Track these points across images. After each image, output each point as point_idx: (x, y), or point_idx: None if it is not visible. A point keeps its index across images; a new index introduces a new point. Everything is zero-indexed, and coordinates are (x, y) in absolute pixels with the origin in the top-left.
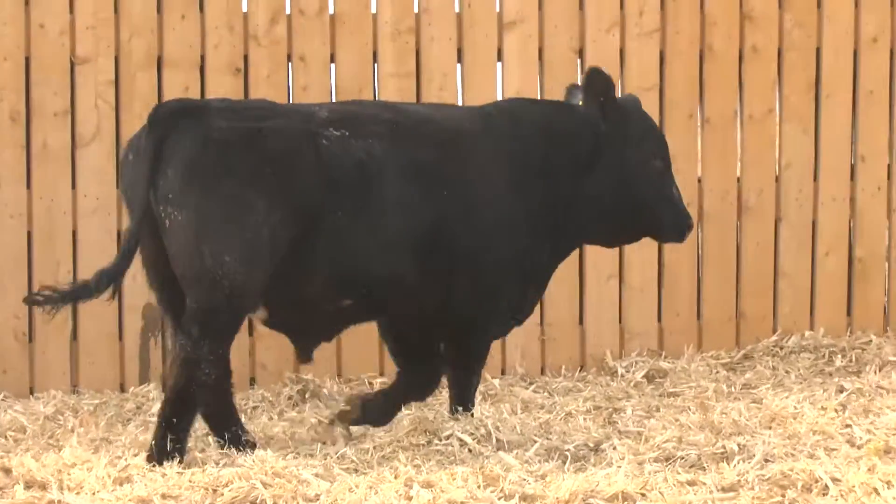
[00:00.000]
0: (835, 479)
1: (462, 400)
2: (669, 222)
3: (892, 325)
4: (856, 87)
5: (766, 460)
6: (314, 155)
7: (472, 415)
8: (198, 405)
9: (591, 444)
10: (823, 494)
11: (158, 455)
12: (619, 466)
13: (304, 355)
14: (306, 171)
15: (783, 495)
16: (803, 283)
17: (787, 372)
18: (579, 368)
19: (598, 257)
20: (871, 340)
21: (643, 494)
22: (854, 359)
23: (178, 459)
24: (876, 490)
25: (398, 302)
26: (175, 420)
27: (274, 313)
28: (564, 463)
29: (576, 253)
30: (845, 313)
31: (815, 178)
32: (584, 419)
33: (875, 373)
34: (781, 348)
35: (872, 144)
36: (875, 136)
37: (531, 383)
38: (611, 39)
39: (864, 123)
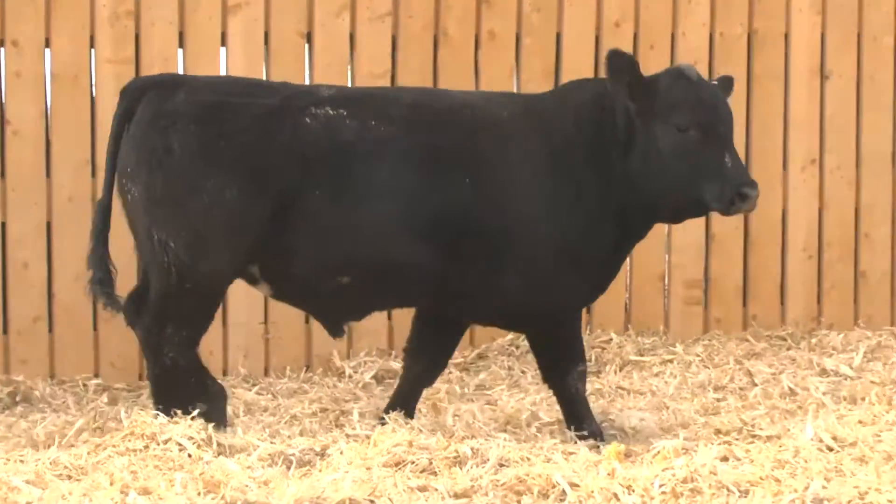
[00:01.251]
0: (573, 484)
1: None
2: (712, 193)
3: (633, 323)
4: (597, 73)
5: (501, 465)
6: (289, 133)
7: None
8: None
9: (318, 449)
10: (561, 500)
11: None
12: (347, 472)
13: (332, 331)
14: (274, 149)
15: (519, 501)
16: None
17: (522, 372)
18: (305, 369)
19: None
20: (611, 339)
21: (372, 501)
22: (594, 358)
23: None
24: (616, 495)
25: (415, 287)
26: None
27: (276, 289)
28: (289, 468)
29: None
30: (584, 311)
31: None
32: (310, 422)
33: (615, 373)
34: (517, 347)
35: None
36: None
37: (254, 385)
38: (340, 23)
39: None
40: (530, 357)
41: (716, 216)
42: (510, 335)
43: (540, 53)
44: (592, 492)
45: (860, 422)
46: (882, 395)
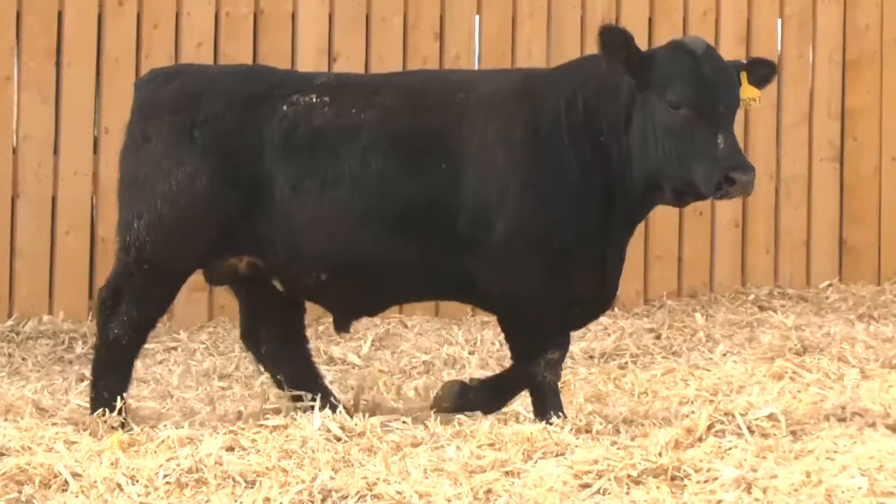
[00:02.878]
0: (75, 474)
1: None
2: (699, 175)
3: None
4: (99, 53)
5: (2, 454)
6: (265, 121)
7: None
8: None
9: None
10: (63, 490)
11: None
12: None
13: (338, 326)
14: (247, 137)
15: (20, 491)
16: (42, 263)
17: (23, 359)
18: None
19: None
20: None
21: None
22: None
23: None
24: (119, 485)
25: (400, 279)
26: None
27: (281, 281)
28: None
29: None
30: (87, 296)
31: (56, 152)
32: None
33: None
34: (18, 333)
35: (117, 116)
36: (121, 107)
37: None
38: None
39: (108, 94)
40: (31, 344)
41: None
42: (10, 321)
43: (42, 33)
44: (95, 482)
45: (367, 411)
46: (391, 385)
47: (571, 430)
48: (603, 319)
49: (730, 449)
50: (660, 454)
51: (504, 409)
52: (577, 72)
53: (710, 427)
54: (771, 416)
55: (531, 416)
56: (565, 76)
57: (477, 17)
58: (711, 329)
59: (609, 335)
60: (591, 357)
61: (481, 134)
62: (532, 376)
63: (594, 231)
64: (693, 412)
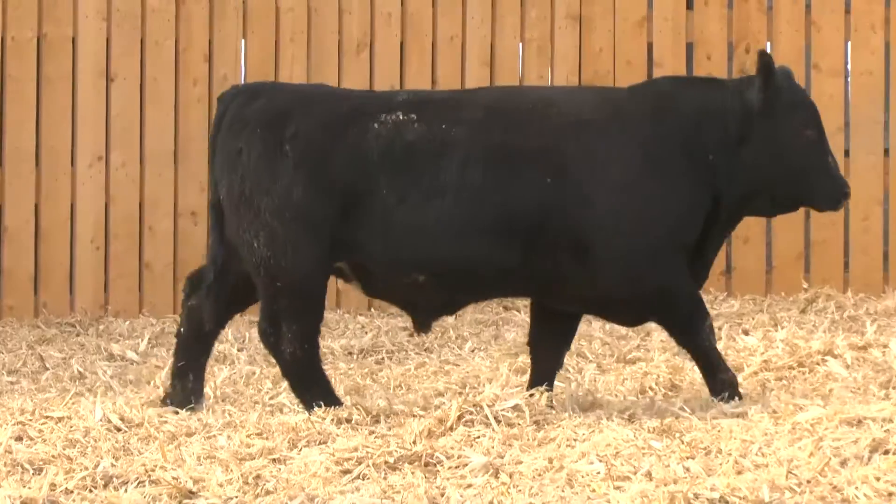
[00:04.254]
0: None
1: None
2: (824, 191)
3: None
4: None
5: None
6: (358, 137)
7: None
8: None
9: None
10: None
11: None
12: None
13: (419, 327)
14: (339, 152)
15: None
16: None
17: None
18: None
19: None
20: None
21: None
22: None
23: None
24: None
25: (494, 285)
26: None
27: (363, 284)
28: None
29: None
30: None
31: None
32: None
33: None
34: None
35: None
36: None
37: None
38: None
39: None
40: None
41: None
42: None
43: None
44: None
45: (146, 404)
46: (167, 380)
47: (333, 420)
48: (361, 319)
49: (479, 437)
50: (414, 442)
51: (271, 402)
52: (686, 91)
53: (460, 417)
54: (516, 407)
55: (297, 408)
56: (672, 96)
57: (243, 41)
58: (460, 328)
59: (366, 333)
60: (350, 353)
61: (591, 152)
62: (704, 347)
63: (699, 234)
64: (444, 403)
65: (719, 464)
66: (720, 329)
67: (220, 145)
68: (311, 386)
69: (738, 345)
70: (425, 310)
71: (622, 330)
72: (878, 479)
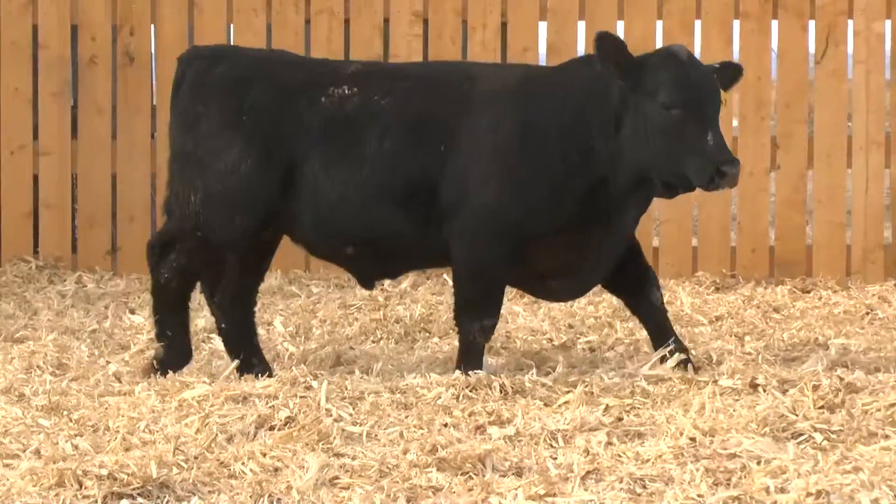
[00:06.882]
0: None
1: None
2: (694, 169)
3: None
4: None
5: None
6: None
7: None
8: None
9: None
10: None
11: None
12: None
13: (362, 285)
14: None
15: None
16: None
17: None
18: None
19: None
20: None
21: None
22: None
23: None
24: None
25: (409, 252)
26: None
27: (308, 250)
28: None
29: None
30: None
31: None
32: None
33: None
34: None
35: None
36: None
37: None
38: None
39: None
40: None
41: None
42: None
43: None
44: None
45: None
46: None
47: None
48: None
49: None
50: None
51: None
52: (568, 74)
53: None
54: None
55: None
56: (556, 78)
57: None
58: None
59: None
60: None
61: (475, 123)
62: (467, 335)
63: (571, 222)
64: None
65: (108, 441)
66: (106, 308)
67: (177, 106)
68: (164, 313)
69: (124, 323)
70: (367, 276)
71: (9, 309)
72: (264, 454)
